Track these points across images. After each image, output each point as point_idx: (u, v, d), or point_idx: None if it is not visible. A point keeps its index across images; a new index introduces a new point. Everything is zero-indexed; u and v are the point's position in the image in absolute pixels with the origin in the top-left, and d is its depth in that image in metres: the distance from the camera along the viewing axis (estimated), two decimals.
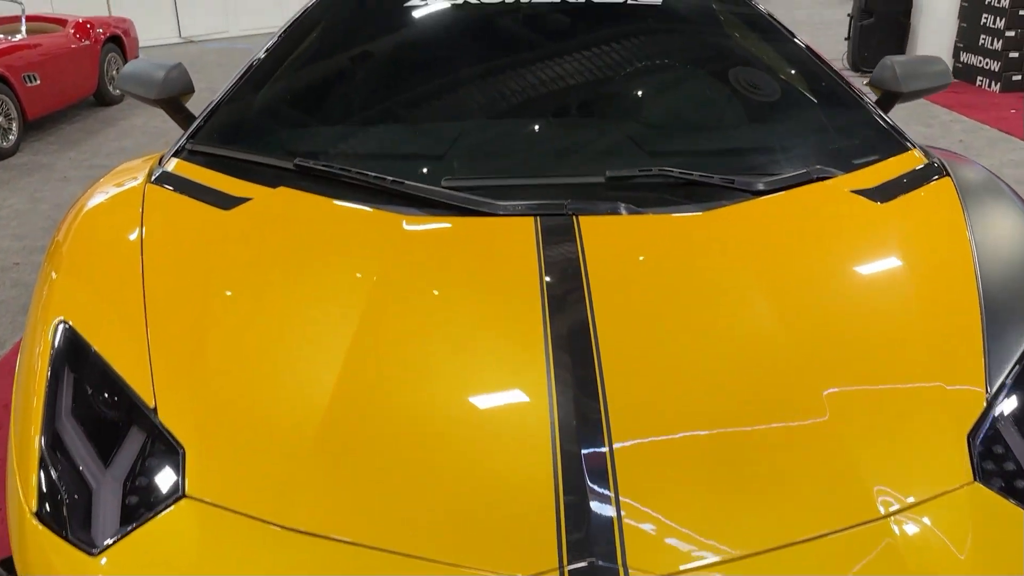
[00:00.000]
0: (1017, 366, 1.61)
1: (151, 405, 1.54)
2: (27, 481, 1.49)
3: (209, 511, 1.39)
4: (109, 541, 1.39)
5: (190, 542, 1.37)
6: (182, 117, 2.83)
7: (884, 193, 2.07)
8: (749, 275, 1.81)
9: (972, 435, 1.50)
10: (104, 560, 1.37)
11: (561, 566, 1.28)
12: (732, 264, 1.85)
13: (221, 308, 1.75)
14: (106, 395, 1.58)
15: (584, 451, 1.42)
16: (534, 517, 1.34)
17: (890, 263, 1.91)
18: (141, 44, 10.47)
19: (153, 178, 2.18)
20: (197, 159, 2.25)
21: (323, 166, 2.12)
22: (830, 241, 1.96)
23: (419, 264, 1.85)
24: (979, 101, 8.32)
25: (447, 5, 2.81)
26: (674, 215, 1.99)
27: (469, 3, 2.80)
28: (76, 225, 2.08)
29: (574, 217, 1.93)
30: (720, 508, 1.38)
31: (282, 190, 2.07)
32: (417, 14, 2.82)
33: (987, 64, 8.92)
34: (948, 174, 2.17)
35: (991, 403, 1.55)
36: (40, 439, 1.53)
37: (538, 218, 1.93)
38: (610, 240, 1.90)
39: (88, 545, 1.39)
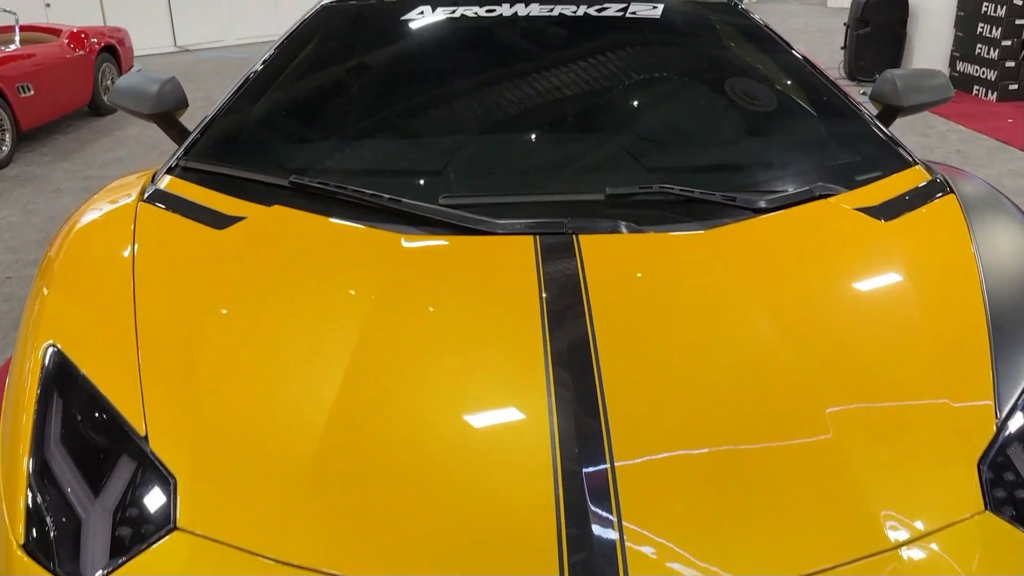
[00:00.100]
0: None
1: (142, 433, 1.50)
2: (14, 511, 1.45)
3: (201, 544, 1.35)
4: (99, 574, 1.35)
5: None
6: (176, 132, 2.80)
7: (888, 211, 2.05)
8: (751, 293, 1.79)
9: (982, 461, 1.47)
10: None
11: None
12: (734, 282, 1.82)
13: (214, 332, 1.71)
14: (95, 422, 1.55)
15: (585, 470, 1.39)
16: (535, 542, 1.32)
17: (895, 283, 1.89)
18: (136, 53, 10.47)
19: (145, 196, 2.14)
20: (190, 176, 2.22)
21: (318, 183, 2.09)
22: (833, 260, 1.93)
23: (417, 285, 1.82)
24: (976, 111, 8.32)
25: (444, 19, 2.79)
26: (675, 233, 1.97)
27: (466, 16, 2.77)
28: (68, 242, 2.05)
29: (574, 236, 1.91)
30: (725, 533, 1.35)
31: (277, 208, 2.04)
32: (414, 28, 2.79)
33: (983, 73, 8.93)
34: (952, 191, 2.15)
35: (1001, 428, 1.52)
36: (28, 467, 1.49)
37: (537, 237, 1.90)
38: (610, 259, 1.87)
39: None
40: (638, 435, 1.47)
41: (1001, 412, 1.55)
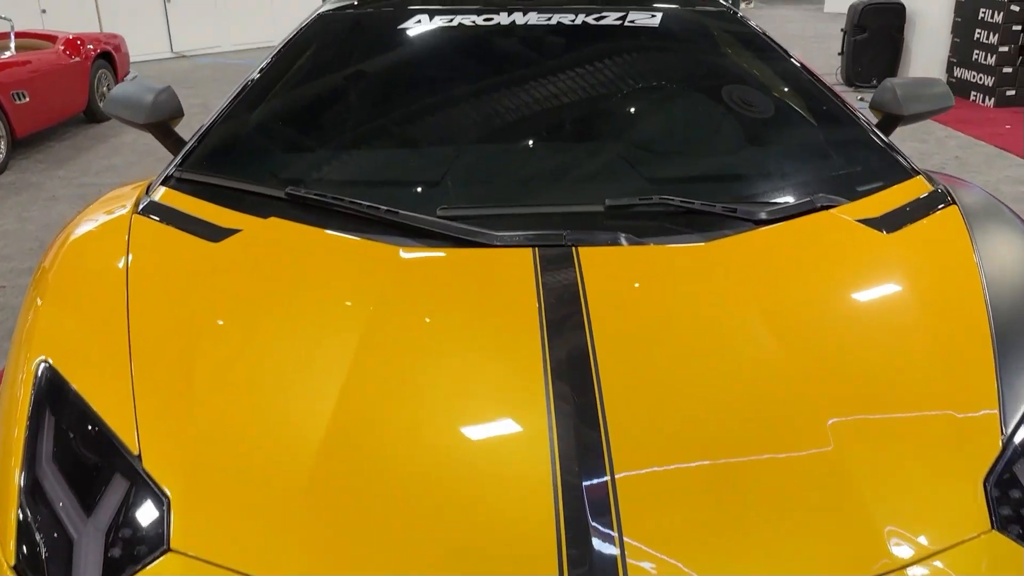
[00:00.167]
0: None
1: (135, 451, 1.48)
2: (4, 531, 1.42)
3: (195, 566, 1.33)
4: None
5: None
6: (171, 142, 2.78)
7: (890, 223, 2.03)
8: (753, 305, 1.77)
9: (988, 478, 1.45)
10: None
11: None
12: (736, 295, 1.80)
13: (209, 347, 1.69)
14: (88, 440, 1.52)
15: (585, 483, 1.38)
16: (536, 557, 1.30)
17: (897, 295, 1.87)
18: (133, 59, 10.45)
19: (140, 208, 2.12)
20: (186, 187, 2.19)
21: (315, 195, 2.07)
22: (836, 272, 1.91)
23: (415, 298, 1.80)
24: (974, 116, 8.32)
25: (441, 28, 2.77)
26: (676, 246, 1.95)
27: (464, 25, 2.75)
28: (63, 253, 2.03)
29: (573, 248, 1.89)
30: (726, 548, 1.33)
31: (273, 220, 2.02)
32: (411, 37, 2.78)
33: (981, 79, 8.94)
34: (954, 202, 2.13)
35: (1007, 444, 1.50)
36: (19, 484, 1.46)
37: (536, 249, 1.88)
38: (610, 271, 1.86)
39: None
40: (639, 447, 1.45)
41: (1007, 427, 1.53)
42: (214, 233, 1.98)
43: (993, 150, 7.21)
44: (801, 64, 2.72)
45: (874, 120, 2.69)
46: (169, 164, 2.33)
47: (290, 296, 1.81)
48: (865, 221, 2.03)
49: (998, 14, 8.61)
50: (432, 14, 2.79)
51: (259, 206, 2.07)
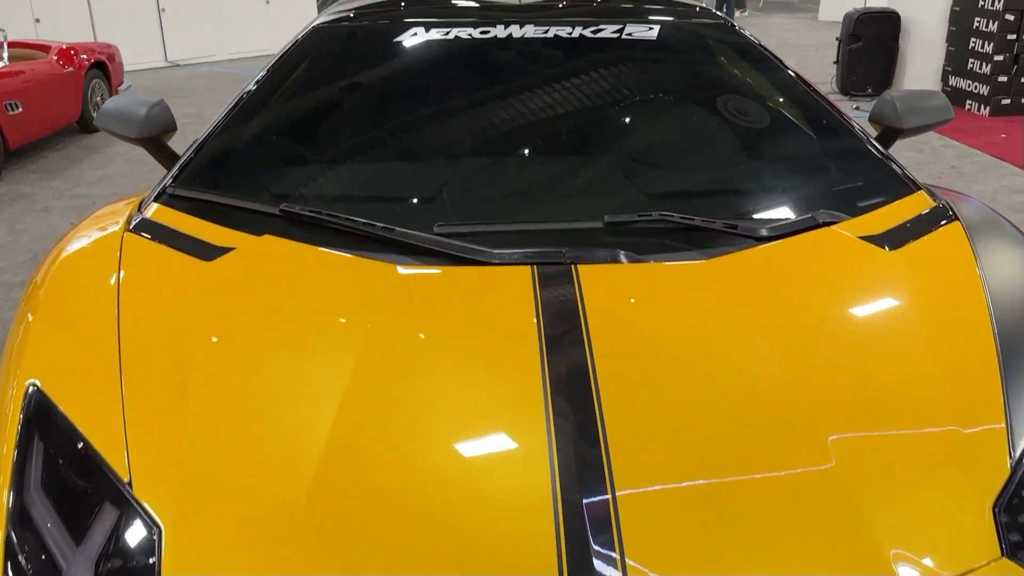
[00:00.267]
0: None
1: (125, 478, 1.44)
2: None
3: None
4: None
5: None
6: (164, 156, 2.75)
7: (892, 239, 2.01)
8: (754, 322, 1.75)
9: (997, 503, 1.43)
10: None
11: None
12: (737, 312, 1.78)
13: (201, 370, 1.65)
14: (77, 467, 1.49)
15: (586, 500, 1.36)
16: None
17: (901, 313, 1.84)
18: (127, 68, 10.39)
19: (132, 225, 2.09)
20: (179, 204, 2.16)
21: (310, 212, 2.04)
22: (838, 289, 1.89)
23: (412, 317, 1.77)
24: (969, 125, 8.32)
25: (437, 40, 2.74)
26: (676, 263, 1.92)
27: (460, 38, 2.73)
28: (54, 270, 2.01)
29: (572, 265, 1.86)
30: (730, 569, 1.32)
31: (267, 238, 1.98)
32: (407, 50, 2.75)
33: (976, 88, 8.94)
34: (956, 218, 2.11)
35: (1016, 468, 1.48)
36: (7, 507, 1.43)
37: (535, 266, 1.86)
38: (610, 288, 1.83)
39: None
40: (639, 465, 1.44)
41: (1015, 449, 1.51)
42: (207, 252, 1.95)
43: (989, 159, 7.20)
44: (799, 77, 2.70)
45: (873, 133, 2.67)
46: (162, 179, 2.30)
47: (285, 316, 1.78)
48: (867, 238, 2.01)
49: (993, 23, 8.62)
50: (428, 27, 2.77)
51: (253, 223, 2.04)
